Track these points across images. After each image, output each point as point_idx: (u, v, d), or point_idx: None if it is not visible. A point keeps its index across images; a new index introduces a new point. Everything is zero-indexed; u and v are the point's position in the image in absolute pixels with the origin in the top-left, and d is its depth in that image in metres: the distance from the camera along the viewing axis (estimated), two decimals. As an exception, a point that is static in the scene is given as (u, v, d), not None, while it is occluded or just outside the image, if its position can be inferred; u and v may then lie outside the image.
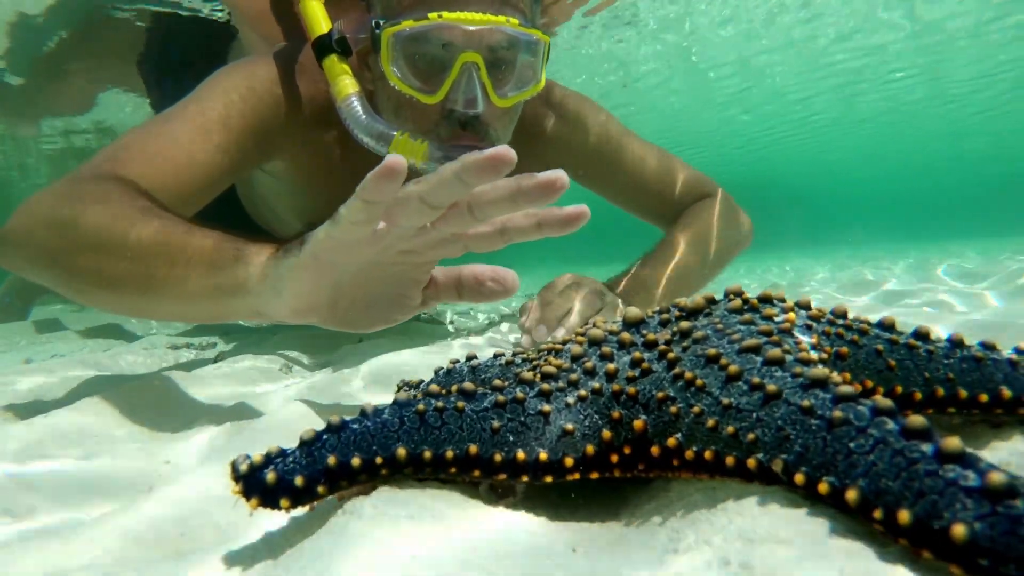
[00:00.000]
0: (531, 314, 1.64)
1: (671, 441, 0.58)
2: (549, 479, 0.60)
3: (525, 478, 0.60)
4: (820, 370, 0.53)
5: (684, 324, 0.68)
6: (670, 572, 0.48)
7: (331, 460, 0.58)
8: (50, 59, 3.88)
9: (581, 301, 1.61)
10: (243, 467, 0.58)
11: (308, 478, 0.57)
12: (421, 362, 1.65)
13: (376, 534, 0.54)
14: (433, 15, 1.40)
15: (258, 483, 0.57)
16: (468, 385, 0.64)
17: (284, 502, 0.57)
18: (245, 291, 1.00)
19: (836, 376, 0.55)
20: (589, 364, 0.67)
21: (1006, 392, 0.65)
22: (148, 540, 0.68)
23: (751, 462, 0.52)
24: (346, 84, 1.51)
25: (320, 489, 0.58)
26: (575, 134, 2.03)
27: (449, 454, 0.59)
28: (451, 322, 3.16)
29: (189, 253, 1.05)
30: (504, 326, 2.55)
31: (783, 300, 0.75)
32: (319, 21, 1.55)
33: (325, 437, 0.60)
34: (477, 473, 0.60)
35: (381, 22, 1.47)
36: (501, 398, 0.63)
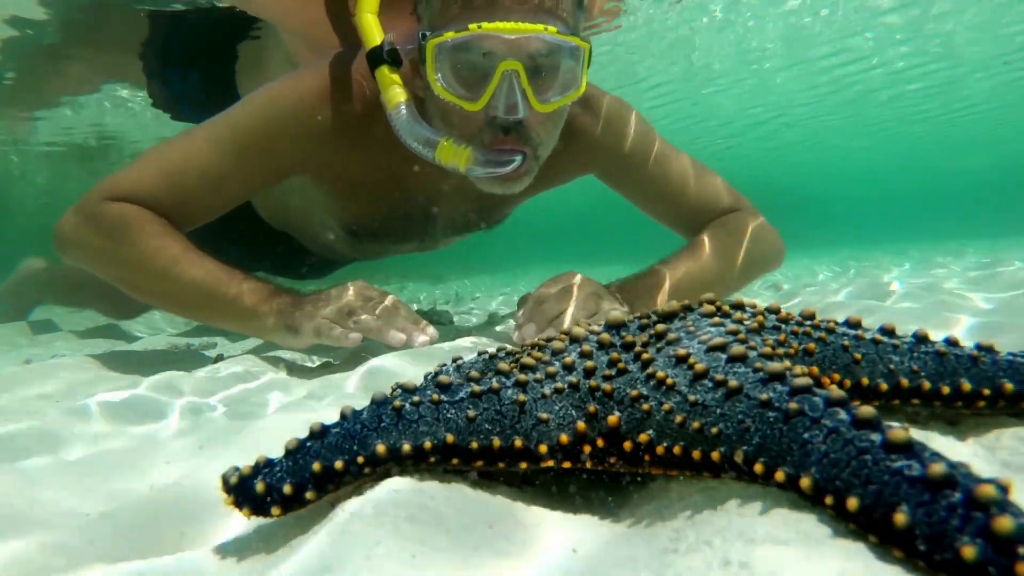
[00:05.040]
0: (524, 312, 1.66)
1: (643, 437, 0.61)
2: (524, 465, 0.63)
3: (502, 464, 0.63)
4: (778, 364, 0.56)
5: (660, 327, 0.71)
6: (671, 572, 0.49)
7: (316, 466, 0.60)
8: (50, 46, 3.84)
9: (575, 304, 1.61)
10: (233, 479, 0.61)
11: (296, 485, 0.60)
12: (420, 363, 1.67)
13: (376, 534, 0.55)
14: (473, 26, 1.47)
15: (248, 493, 0.60)
16: (443, 378, 0.66)
17: (275, 510, 0.60)
18: (264, 332, 1.69)
19: (798, 368, 0.57)
20: (568, 360, 0.70)
21: (966, 385, 0.68)
22: (148, 540, 0.70)
23: (715, 455, 0.55)
24: (396, 93, 1.59)
25: (308, 495, 0.60)
26: (613, 140, 2.04)
27: (427, 445, 0.62)
28: (451, 323, 3.17)
29: (223, 303, 1.66)
30: (504, 326, 2.56)
31: (754, 306, 0.78)
32: (373, 33, 1.63)
33: (308, 444, 0.62)
34: (456, 461, 0.62)
35: (427, 34, 1.55)
36: (476, 388, 0.65)
